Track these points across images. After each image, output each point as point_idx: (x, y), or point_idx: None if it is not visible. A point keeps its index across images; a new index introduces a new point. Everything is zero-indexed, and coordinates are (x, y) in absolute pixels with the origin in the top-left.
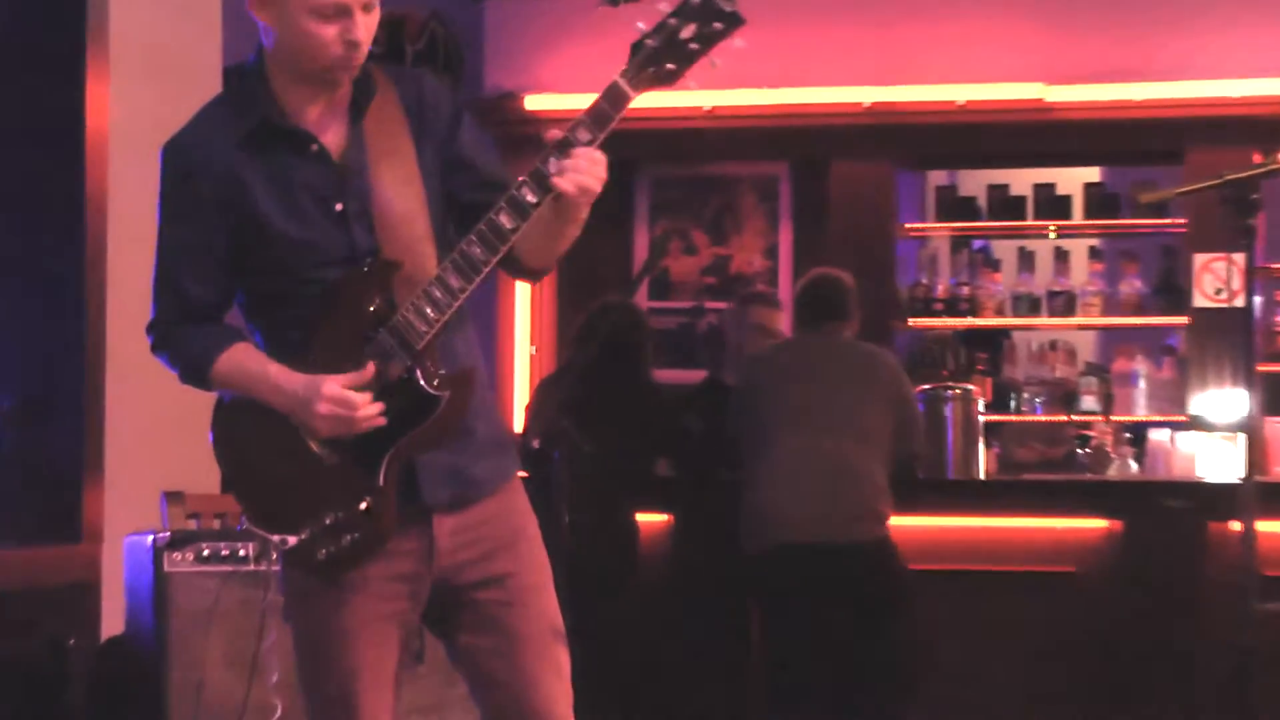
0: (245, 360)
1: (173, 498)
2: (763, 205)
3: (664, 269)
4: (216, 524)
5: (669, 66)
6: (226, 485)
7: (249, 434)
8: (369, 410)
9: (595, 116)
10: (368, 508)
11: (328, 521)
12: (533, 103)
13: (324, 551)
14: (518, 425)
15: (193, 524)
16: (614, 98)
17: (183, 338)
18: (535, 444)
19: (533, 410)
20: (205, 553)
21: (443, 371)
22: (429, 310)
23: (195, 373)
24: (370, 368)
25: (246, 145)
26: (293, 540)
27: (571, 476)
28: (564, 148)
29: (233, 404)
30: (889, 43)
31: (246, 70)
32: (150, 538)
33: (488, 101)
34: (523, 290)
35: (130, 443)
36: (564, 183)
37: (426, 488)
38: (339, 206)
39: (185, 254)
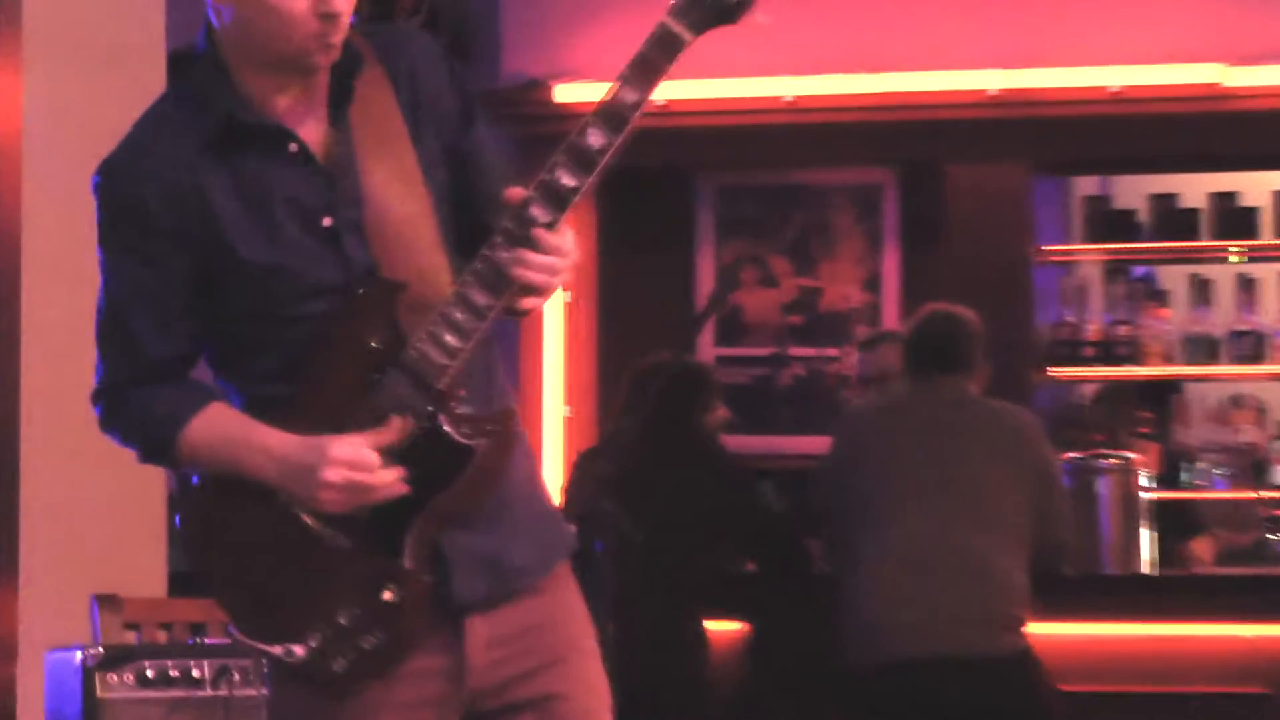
0: (224, 424)
1: (106, 603)
2: (861, 223)
3: (734, 306)
4: (162, 637)
5: None
6: (204, 585)
7: (231, 517)
8: (389, 473)
9: (638, 71)
10: (392, 599)
11: (342, 622)
12: (564, 93)
13: (341, 661)
14: None
15: (132, 636)
16: (664, 43)
17: (141, 403)
18: (572, 528)
19: (568, 489)
20: (149, 673)
21: (473, 414)
22: (449, 337)
23: (159, 446)
24: (393, 423)
25: (207, 152)
26: (300, 651)
27: (618, 573)
28: (546, 194)
29: (207, 482)
30: (1021, 13)
31: (196, 57)
32: (79, 654)
33: (507, 92)
34: (554, 334)
35: (51, 534)
36: (521, 275)
37: (458, 580)
38: (327, 221)
39: (138, 298)
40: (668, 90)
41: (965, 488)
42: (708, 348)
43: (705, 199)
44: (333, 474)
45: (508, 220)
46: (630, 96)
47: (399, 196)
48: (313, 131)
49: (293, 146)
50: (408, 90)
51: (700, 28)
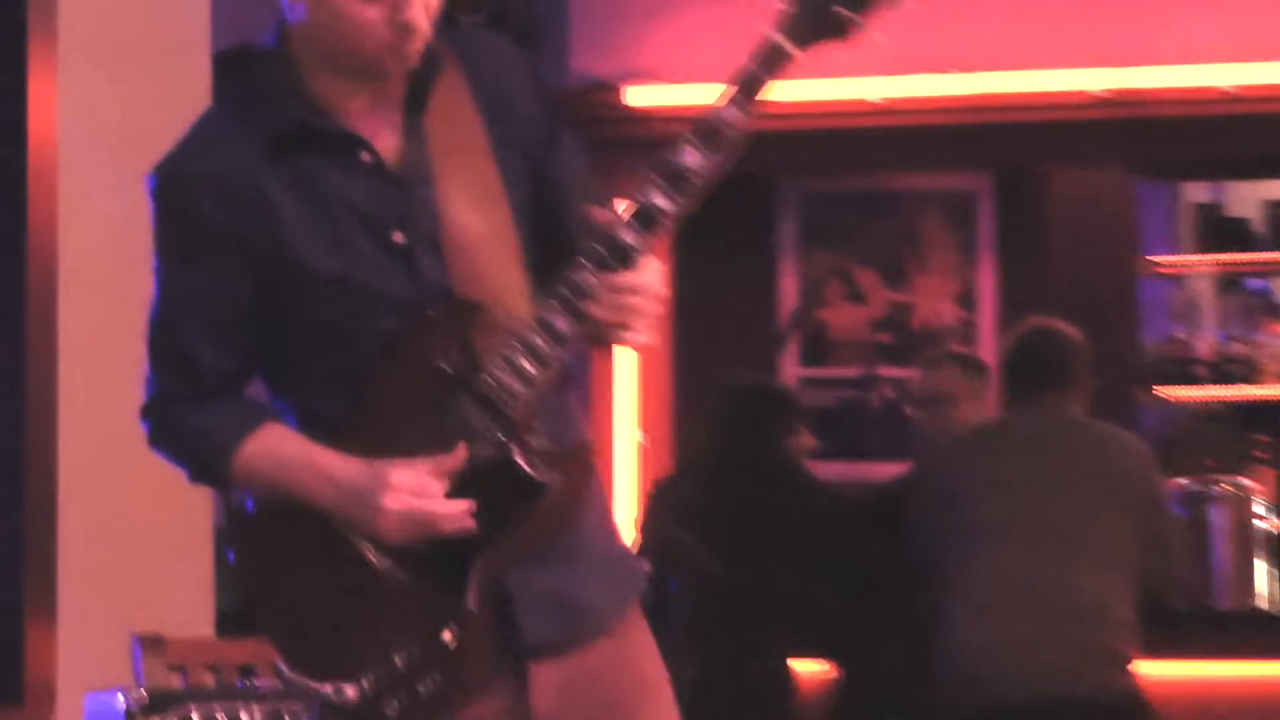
0: (281, 445)
1: (149, 644)
2: (955, 233)
3: (820, 323)
4: (209, 679)
5: (846, 12)
6: (254, 616)
7: (286, 544)
8: (455, 505)
9: (741, 87)
10: (452, 641)
11: (398, 663)
12: (635, 96)
13: (395, 705)
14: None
15: (177, 679)
16: (770, 59)
17: (193, 420)
18: (645, 568)
19: (643, 523)
20: (195, 718)
21: (548, 447)
22: (527, 364)
23: (212, 466)
24: (461, 450)
25: (271, 155)
26: (351, 692)
27: (696, 611)
28: (667, 184)
29: (262, 509)
30: (1127, 7)
31: (264, 56)
32: (121, 697)
33: (574, 94)
34: (626, 354)
35: (91, 570)
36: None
37: (526, 622)
38: (399, 237)
39: (195, 308)
40: None
41: (1068, 517)
42: (791, 368)
43: (788, 207)
44: (393, 501)
45: (594, 242)
46: (731, 114)
47: (477, 211)
48: (386, 140)
49: (365, 155)
50: (488, 99)
51: (808, 43)
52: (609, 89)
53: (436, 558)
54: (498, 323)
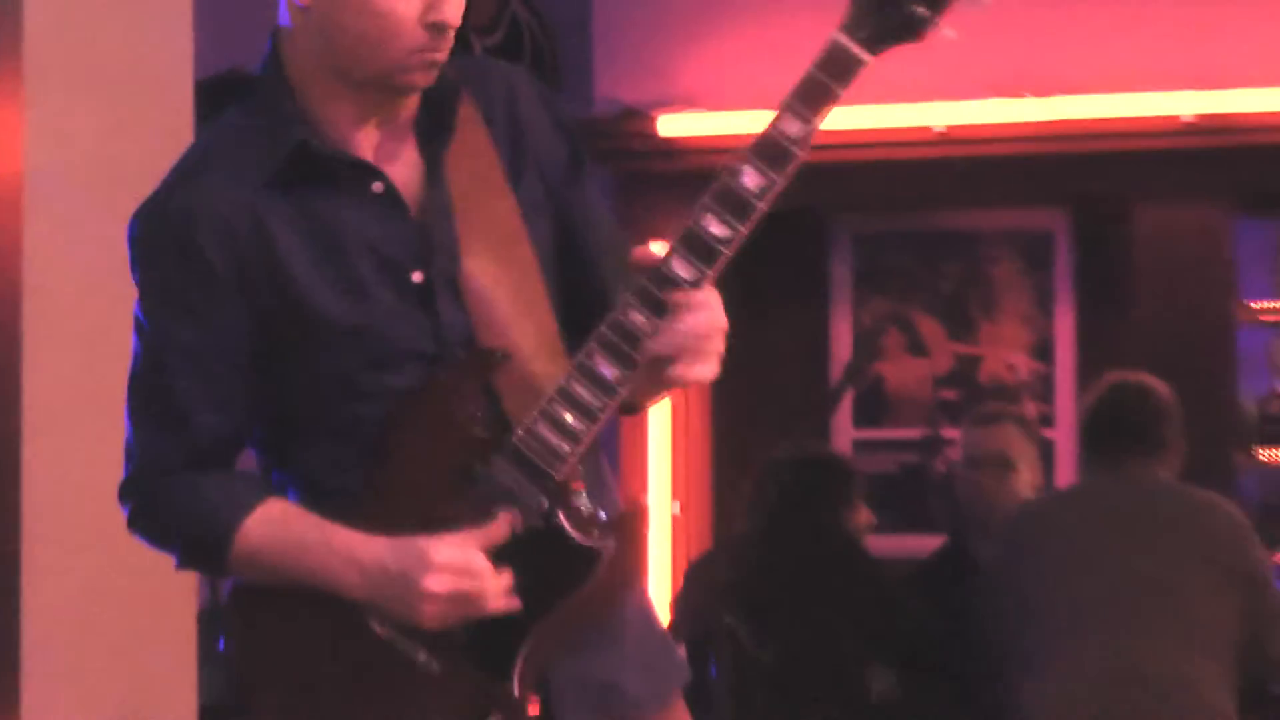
0: (292, 523)
1: None
2: (1029, 276)
3: (876, 379)
4: None
5: (921, 9)
6: (248, 713)
7: (295, 631)
8: (500, 581)
9: (804, 96)
10: None
11: None
12: (669, 125)
13: None
14: None
15: None
16: (837, 64)
17: (186, 493)
18: (682, 651)
19: (679, 603)
20: None
21: (596, 511)
22: (570, 418)
23: (208, 546)
24: (504, 519)
25: (271, 189)
26: None
27: (739, 703)
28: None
29: (259, 586)
30: (1219, 26)
31: (257, 81)
32: None
33: (602, 123)
34: (660, 413)
35: (59, 655)
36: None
37: (565, 712)
38: (418, 276)
39: (188, 362)
40: None
41: (1158, 594)
42: (845, 430)
43: (841, 248)
44: (437, 583)
45: (644, 279)
46: (793, 128)
47: (500, 250)
48: (399, 170)
49: (377, 186)
50: (506, 130)
51: (877, 45)
52: (640, 117)
53: (475, 641)
54: (527, 374)
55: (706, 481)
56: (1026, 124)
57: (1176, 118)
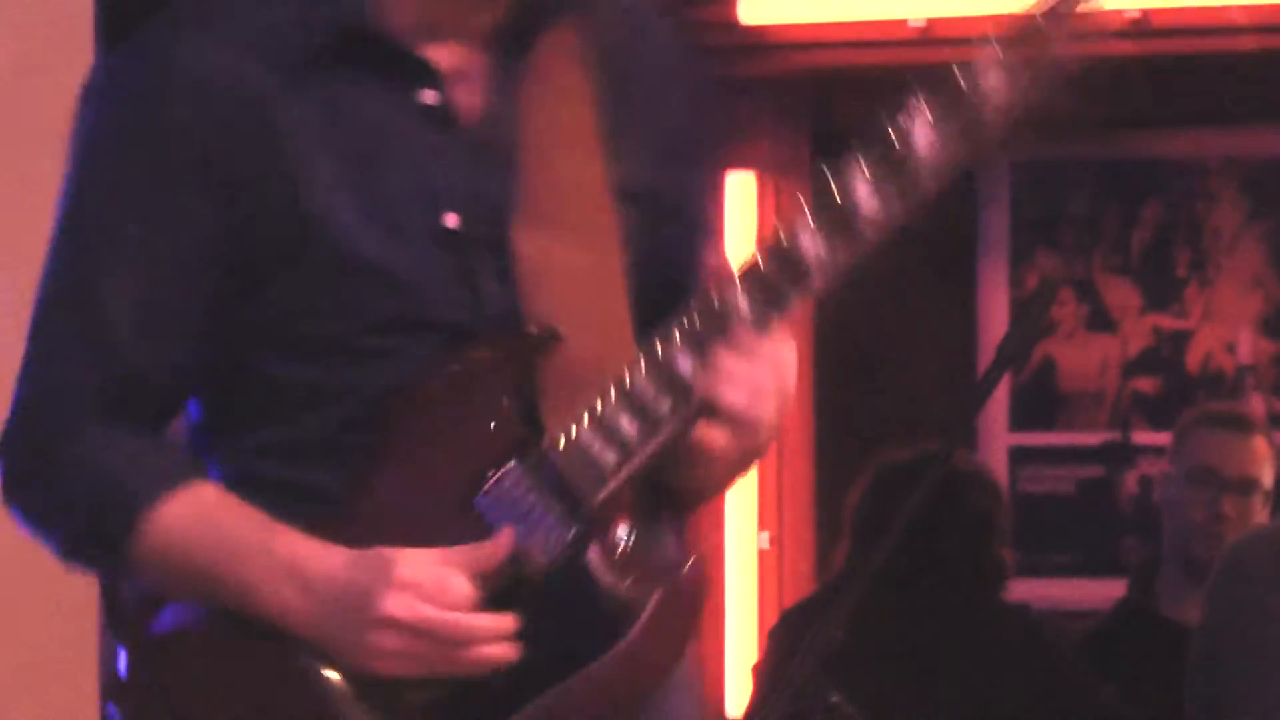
0: (223, 514)
1: None
2: (1258, 221)
3: (1043, 361)
4: None
5: None
6: None
7: (219, 695)
8: (493, 621)
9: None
10: None
11: None
12: (750, 11)
13: None
14: (734, 700)
15: None
16: None
17: (92, 450)
18: None
19: (768, 666)
20: None
21: (643, 554)
22: (626, 425)
23: (107, 526)
24: (505, 538)
25: (299, 73)
26: None
27: None
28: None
29: (179, 631)
30: None
31: None
32: None
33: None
34: None
35: None
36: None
37: None
38: (452, 219)
39: (129, 274)
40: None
41: None
42: (998, 434)
43: (993, 181)
44: (397, 605)
45: (704, 299)
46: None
47: (570, 218)
48: (464, 86)
49: (428, 94)
50: (617, 77)
51: None
52: (716, 1)
53: (456, 711)
54: (580, 367)
55: (807, 505)
56: (1263, 4)
57: None
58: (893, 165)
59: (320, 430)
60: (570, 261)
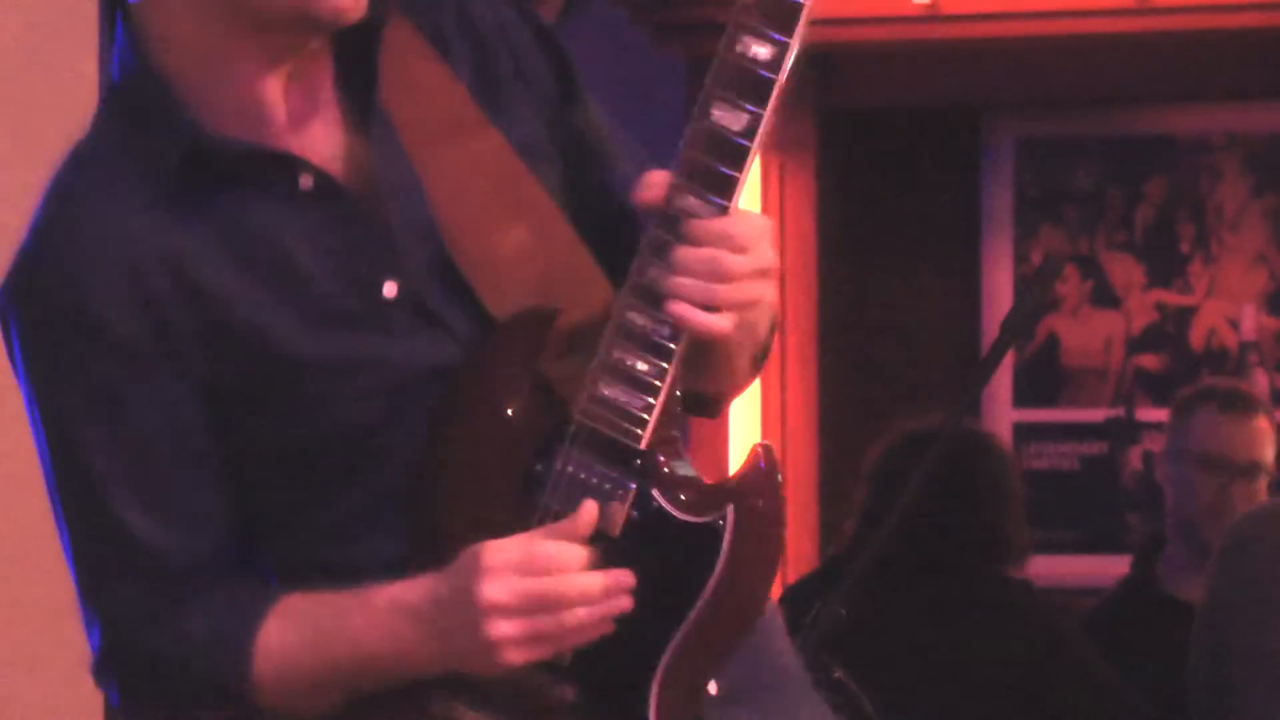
0: (317, 604)
1: None
2: (1263, 196)
3: (1047, 338)
4: None
5: None
6: None
7: None
8: (596, 578)
9: None
10: None
11: None
12: None
13: None
14: None
15: None
16: None
17: (177, 634)
18: None
19: None
20: None
21: (700, 480)
22: (640, 365)
23: (223, 677)
24: (589, 507)
25: (172, 207)
26: None
27: None
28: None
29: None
30: None
31: (119, 89)
32: None
33: None
34: (745, 397)
35: None
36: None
37: None
38: (390, 289)
39: (127, 486)
40: None
41: None
42: (1002, 410)
43: (998, 159)
44: (494, 590)
45: (656, 211)
46: None
47: (496, 202)
48: (325, 143)
49: (304, 180)
50: (464, 50)
51: None
52: None
53: (595, 677)
54: (578, 328)
55: (810, 484)
56: None
57: None
58: (781, 14)
59: (363, 499)
60: (515, 240)
